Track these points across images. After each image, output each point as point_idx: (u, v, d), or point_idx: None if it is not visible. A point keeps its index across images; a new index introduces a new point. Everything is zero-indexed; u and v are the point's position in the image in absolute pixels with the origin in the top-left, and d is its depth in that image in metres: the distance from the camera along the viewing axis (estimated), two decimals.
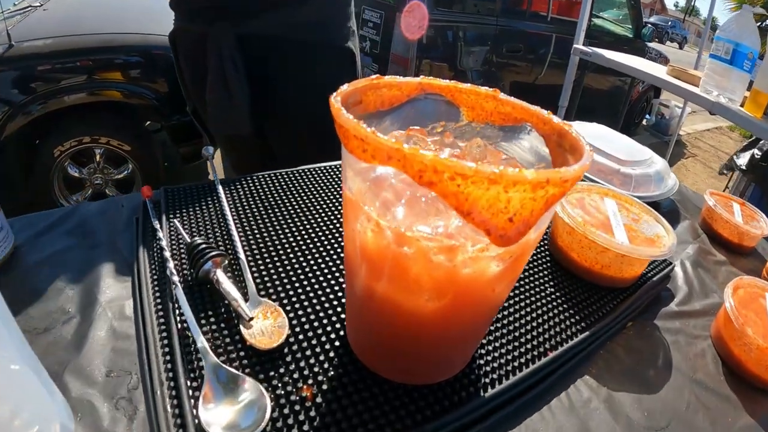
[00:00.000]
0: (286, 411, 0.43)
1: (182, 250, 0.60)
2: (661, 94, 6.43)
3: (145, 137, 2.78)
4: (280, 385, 0.46)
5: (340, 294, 0.58)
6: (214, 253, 0.55)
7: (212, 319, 0.52)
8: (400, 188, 0.35)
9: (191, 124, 2.65)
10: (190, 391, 0.44)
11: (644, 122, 6.53)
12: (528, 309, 0.62)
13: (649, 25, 5.25)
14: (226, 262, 0.57)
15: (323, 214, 0.74)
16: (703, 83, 2.22)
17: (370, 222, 0.34)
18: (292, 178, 0.83)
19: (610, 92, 5.34)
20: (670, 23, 29.86)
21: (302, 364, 0.48)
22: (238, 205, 0.73)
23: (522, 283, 0.67)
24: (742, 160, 2.59)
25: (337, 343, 0.51)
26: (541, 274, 0.70)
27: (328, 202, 0.78)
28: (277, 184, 0.81)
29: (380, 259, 0.37)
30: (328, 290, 0.59)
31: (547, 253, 0.75)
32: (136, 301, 0.55)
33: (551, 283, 0.68)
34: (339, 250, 0.66)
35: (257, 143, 1.15)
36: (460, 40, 3.69)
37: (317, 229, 0.70)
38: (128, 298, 0.56)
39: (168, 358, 0.47)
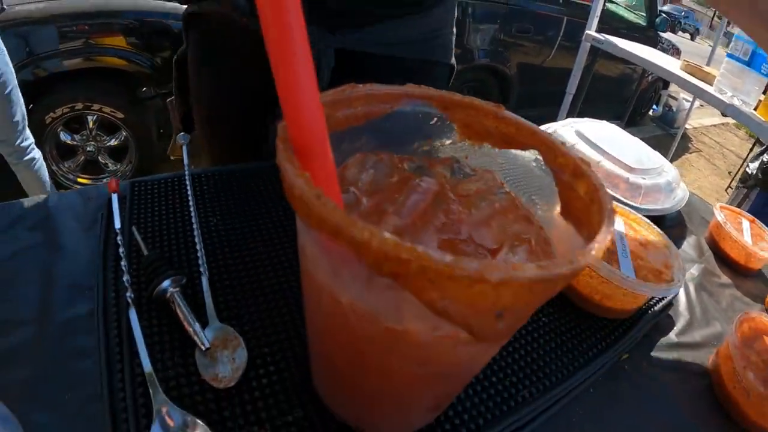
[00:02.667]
0: None
1: (140, 263, 0.55)
2: (669, 86, 6.35)
3: (138, 104, 2.74)
4: (235, 426, 0.41)
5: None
6: (170, 272, 0.49)
7: (167, 345, 0.46)
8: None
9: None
10: (141, 427, 0.40)
11: (651, 113, 6.46)
12: (516, 345, 0.57)
13: (663, 15, 5.15)
14: (184, 280, 0.51)
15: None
16: (717, 83, 2.19)
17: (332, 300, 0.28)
18: (268, 174, 0.76)
19: (620, 80, 5.28)
20: (683, 13, 29.44)
21: (260, 404, 0.43)
22: (209, 204, 0.67)
23: None
24: (753, 168, 2.58)
25: (300, 381, 0.46)
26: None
27: None
28: (251, 181, 0.74)
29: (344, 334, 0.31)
30: (296, 317, 0.53)
31: None
32: (95, 316, 0.50)
33: (544, 311, 0.63)
34: None
35: None
36: (468, 17, 3.61)
37: (293, 242, 0.63)
38: (87, 310, 0.51)
39: (121, 383, 0.43)
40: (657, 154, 1.04)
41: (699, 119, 7.37)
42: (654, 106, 6.45)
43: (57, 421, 0.41)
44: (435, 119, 0.39)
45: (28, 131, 2.08)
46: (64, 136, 2.59)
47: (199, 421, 0.39)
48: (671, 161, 5.21)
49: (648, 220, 0.73)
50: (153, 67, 2.64)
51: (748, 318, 0.66)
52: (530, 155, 0.37)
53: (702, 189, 5.06)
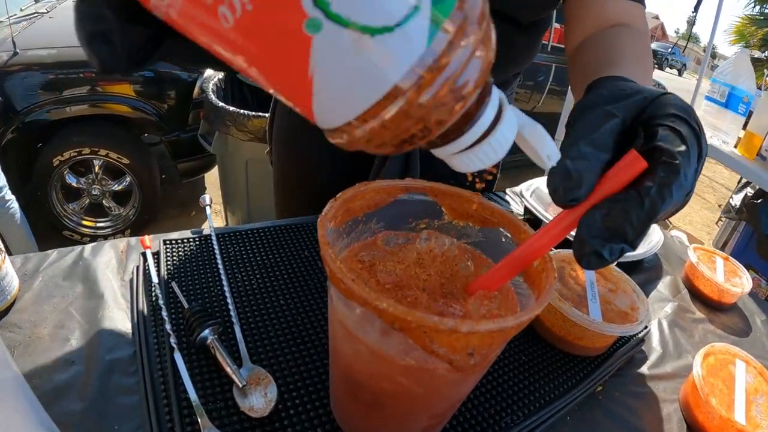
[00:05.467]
0: None
1: (180, 313, 0.64)
2: None
3: (144, 151, 2.83)
4: None
5: (326, 361, 0.61)
6: (211, 322, 0.59)
7: (207, 383, 0.56)
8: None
9: (191, 140, 2.71)
10: None
11: None
12: (500, 380, 0.66)
13: None
14: (221, 328, 0.61)
15: (311, 275, 0.78)
16: None
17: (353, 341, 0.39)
18: (285, 233, 0.87)
19: None
20: (670, 50, 30.09)
21: (289, 431, 0.52)
22: (234, 261, 0.77)
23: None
24: (736, 200, 2.65)
25: (320, 411, 0.55)
26: (516, 342, 0.73)
27: (315, 263, 0.81)
28: (270, 239, 0.84)
29: (361, 367, 0.41)
30: (315, 357, 0.62)
31: None
32: (137, 359, 0.59)
33: (526, 352, 0.72)
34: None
35: None
36: None
37: (308, 292, 0.74)
38: (129, 352, 0.60)
39: (168, 416, 0.52)
40: None
41: None
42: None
43: None
44: (429, 204, 0.51)
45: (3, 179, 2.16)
46: (69, 179, 2.68)
47: None
48: None
49: (618, 269, 0.82)
50: (158, 114, 2.74)
51: (714, 350, 0.74)
52: (501, 231, 0.48)
53: (693, 224, 5.14)
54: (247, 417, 0.52)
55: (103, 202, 2.83)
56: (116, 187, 2.80)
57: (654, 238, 1.07)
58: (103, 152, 2.64)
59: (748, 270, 1.03)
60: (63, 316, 0.64)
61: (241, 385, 0.54)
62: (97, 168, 2.71)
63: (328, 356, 0.60)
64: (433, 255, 0.47)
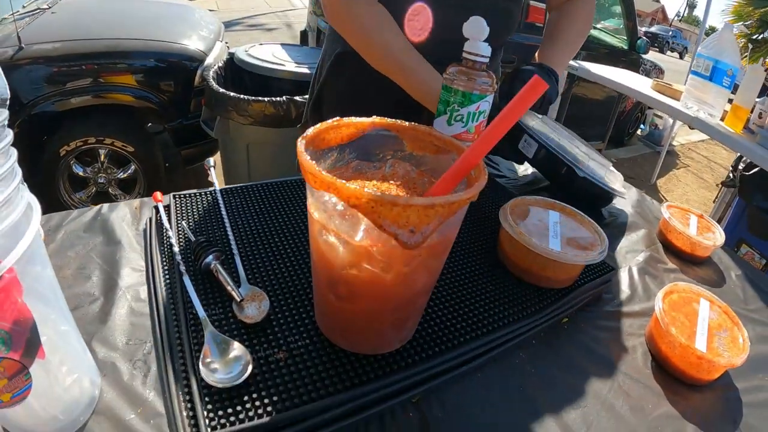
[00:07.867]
0: (264, 368, 0.57)
1: (188, 246, 0.74)
2: None
3: (148, 139, 2.88)
4: (260, 349, 0.59)
5: (311, 281, 0.69)
6: (213, 249, 0.69)
7: (211, 300, 0.65)
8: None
9: (193, 127, 2.77)
10: (193, 351, 0.57)
11: (639, 132, 6.62)
12: (467, 302, 0.74)
13: (644, 38, 5.34)
14: (223, 256, 0.71)
15: (300, 218, 0.87)
16: (683, 98, 2.31)
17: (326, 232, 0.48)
18: (279, 188, 0.96)
19: (601, 102, 5.39)
20: (671, 33, 29.95)
21: (279, 335, 0.62)
22: (235, 210, 0.87)
23: (467, 283, 0.78)
24: (732, 174, 2.71)
25: (306, 321, 0.65)
26: (486, 276, 0.80)
27: (304, 209, 0.90)
28: (266, 193, 0.94)
29: (333, 261, 0.51)
30: (303, 280, 0.72)
31: (495, 258, 0.85)
32: (149, 286, 0.69)
33: (494, 282, 0.79)
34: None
35: None
36: None
37: (300, 232, 0.83)
38: (143, 284, 0.70)
39: (176, 328, 0.61)
40: (607, 161, 1.22)
41: (687, 135, 7.51)
42: (641, 126, 6.61)
43: (123, 357, 0.59)
44: (393, 138, 0.61)
45: None
46: (76, 168, 2.74)
47: (236, 342, 0.58)
48: (658, 177, 5.35)
49: (583, 213, 0.90)
50: (160, 103, 2.79)
51: (677, 288, 0.80)
52: (452, 157, 0.58)
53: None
54: (243, 324, 0.62)
55: (109, 190, 2.88)
56: (122, 175, 2.85)
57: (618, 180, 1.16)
58: (108, 141, 2.69)
59: (741, 244, 1.05)
60: (84, 260, 0.73)
61: (239, 300, 0.63)
62: (102, 157, 2.76)
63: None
64: (396, 176, 0.57)
